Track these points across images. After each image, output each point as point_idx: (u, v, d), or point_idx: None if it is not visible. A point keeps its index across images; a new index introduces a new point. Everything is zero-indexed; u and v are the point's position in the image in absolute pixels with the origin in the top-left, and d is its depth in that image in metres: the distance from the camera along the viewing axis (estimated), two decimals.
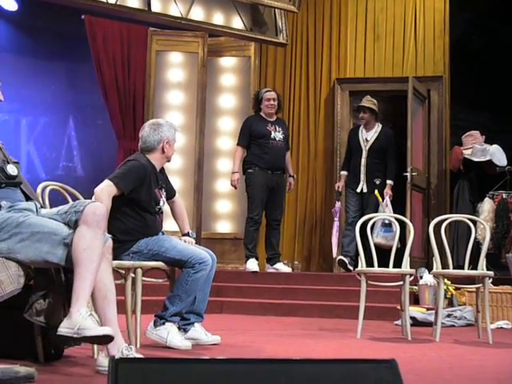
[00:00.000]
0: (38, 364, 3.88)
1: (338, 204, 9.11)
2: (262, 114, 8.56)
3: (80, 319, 3.52)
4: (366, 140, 8.91)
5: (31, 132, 10.51)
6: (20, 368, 3.22)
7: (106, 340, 3.57)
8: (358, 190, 8.86)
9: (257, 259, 8.56)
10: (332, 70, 10.19)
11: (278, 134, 8.48)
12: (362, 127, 9.02)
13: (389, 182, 8.81)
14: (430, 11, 9.97)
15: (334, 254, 9.14)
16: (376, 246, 7.60)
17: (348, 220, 8.95)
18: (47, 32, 10.11)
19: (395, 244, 6.16)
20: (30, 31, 10.16)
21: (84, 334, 3.51)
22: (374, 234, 8.18)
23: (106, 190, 4.84)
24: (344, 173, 9.14)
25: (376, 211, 8.43)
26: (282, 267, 8.69)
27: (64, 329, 3.55)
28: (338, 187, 9.10)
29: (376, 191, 8.60)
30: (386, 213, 8.29)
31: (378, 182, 8.77)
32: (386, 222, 8.18)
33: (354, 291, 7.09)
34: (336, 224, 9.05)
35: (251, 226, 8.50)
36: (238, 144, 8.63)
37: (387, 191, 8.72)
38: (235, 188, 8.66)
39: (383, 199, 8.58)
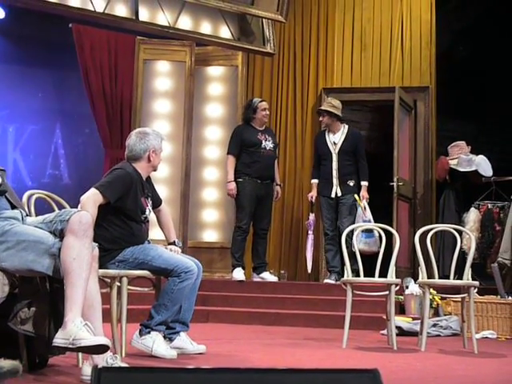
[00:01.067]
0: (22, 373, 3.87)
1: (311, 216, 8.93)
2: (252, 123, 8.53)
3: (75, 329, 3.50)
4: (334, 143, 8.67)
5: (18, 140, 10.50)
6: (4, 362, 3.21)
7: (101, 350, 3.56)
8: (333, 195, 8.62)
9: (243, 268, 8.55)
10: (319, 80, 10.21)
11: (268, 143, 8.48)
12: (327, 131, 8.78)
13: (363, 183, 8.58)
14: (416, 22, 10.02)
15: (309, 269, 9.04)
16: (361, 252, 7.64)
17: (327, 233, 8.79)
18: (34, 40, 10.11)
19: (381, 253, 6.17)
20: (17, 39, 10.16)
21: (80, 345, 3.49)
22: (356, 240, 8.17)
23: (91, 198, 4.84)
24: (315, 181, 8.87)
25: (351, 212, 8.43)
26: (268, 276, 8.67)
27: (59, 339, 3.54)
28: (312, 197, 8.87)
29: (356, 195, 8.47)
30: (366, 216, 8.25)
31: (351, 184, 8.58)
32: (367, 227, 8.10)
33: (340, 301, 7.09)
34: (310, 237, 8.88)
35: (239, 235, 8.50)
36: (228, 153, 8.57)
37: (363, 194, 8.50)
38: (233, 197, 8.60)
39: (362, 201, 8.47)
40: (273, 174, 8.66)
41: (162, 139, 5.29)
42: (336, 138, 8.68)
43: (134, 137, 5.24)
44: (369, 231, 8.11)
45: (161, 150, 5.27)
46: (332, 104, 8.65)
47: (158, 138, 5.25)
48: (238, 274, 8.48)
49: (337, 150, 8.64)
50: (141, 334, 4.98)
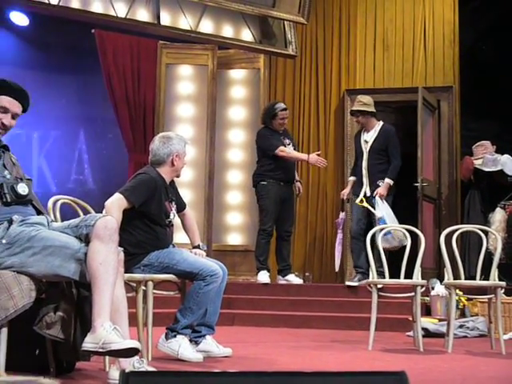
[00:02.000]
0: (50, 377, 3.89)
1: (342, 215, 8.85)
2: (270, 126, 8.50)
3: (104, 333, 3.52)
4: (366, 141, 8.53)
5: (42, 145, 10.57)
6: (44, 380, 3.23)
7: (131, 353, 3.57)
8: (362, 195, 8.45)
9: (268, 271, 8.55)
10: (342, 81, 10.20)
11: (290, 147, 8.49)
12: (363, 129, 8.65)
13: (387, 180, 8.31)
14: (439, 21, 9.97)
15: (337, 268, 9.01)
16: (384, 251, 7.59)
17: (352, 231, 8.70)
18: (58, 46, 10.18)
19: (406, 254, 6.14)
20: (41, 45, 10.23)
21: (110, 348, 3.50)
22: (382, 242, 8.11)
23: (116, 203, 4.86)
24: (351, 178, 8.77)
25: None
26: (293, 279, 8.65)
27: (89, 344, 3.55)
28: (343, 194, 8.79)
29: (358, 199, 8.36)
30: (377, 214, 8.10)
31: (380, 184, 8.35)
32: (382, 225, 8.00)
33: (365, 302, 7.07)
34: (339, 236, 8.80)
35: (263, 238, 8.48)
36: (275, 149, 8.35)
37: (379, 190, 8.24)
38: (323, 164, 8.59)
39: (363, 201, 8.34)
40: (294, 176, 8.72)
41: (185, 143, 5.30)
42: (368, 137, 8.52)
43: (157, 141, 5.26)
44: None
45: (184, 154, 5.28)
46: (363, 102, 8.48)
47: (182, 143, 5.26)
48: (263, 276, 8.47)
49: (367, 149, 8.49)
50: (167, 337, 4.99)
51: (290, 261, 8.82)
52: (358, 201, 8.34)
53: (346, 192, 8.78)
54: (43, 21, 9.53)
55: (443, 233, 6.07)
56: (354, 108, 8.59)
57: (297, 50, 9.37)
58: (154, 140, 5.32)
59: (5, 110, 3.97)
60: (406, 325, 6.84)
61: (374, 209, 8.16)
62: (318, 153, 8.68)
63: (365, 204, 8.28)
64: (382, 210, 8.12)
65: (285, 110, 8.55)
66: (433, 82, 9.91)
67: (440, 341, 6.20)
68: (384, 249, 7.74)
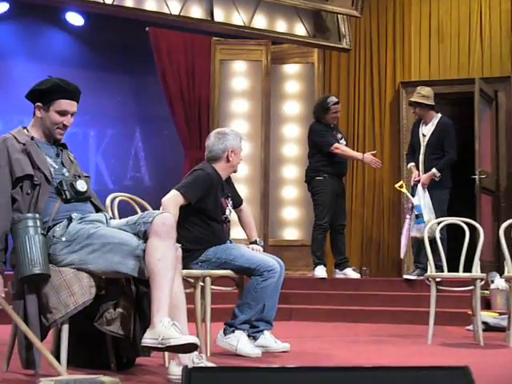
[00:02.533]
0: (110, 373, 3.93)
1: (414, 200, 8.13)
2: (322, 121, 8.40)
3: (163, 329, 3.54)
4: (423, 135, 8.34)
5: (99, 144, 10.68)
6: (105, 378, 3.26)
7: (190, 348, 3.59)
8: (404, 190, 8.31)
9: (325, 266, 8.52)
10: (396, 74, 10.11)
11: (342, 142, 8.44)
12: (421, 121, 8.43)
13: (433, 170, 8.11)
14: (495, 11, 9.82)
15: (402, 255, 8.74)
16: (415, 240, 7.51)
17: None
18: (113, 45, 10.27)
19: (465, 247, 6.06)
20: (96, 45, 10.33)
21: (169, 344, 3.52)
22: (411, 230, 8.00)
23: (173, 199, 4.90)
24: (411, 163, 8.47)
25: (440, 207, 8.09)
26: (350, 273, 8.61)
27: (148, 339, 3.58)
28: (415, 177, 8.29)
29: (401, 182, 8.30)
30: (414, 201, 7.93)
31: (437, 179, 8.14)
32: (416, 213, 7.89)
33: (423, 296, 7.01)
34: (407, 222, 8.23)
35: (320, 233, 8.44)
36: (330, 145, 8.26)
37: (422, 179, 8.06)
38: (378, 165, 8.56)
39: (402, 187, 8.19)
40: (347, 170, 8.77)
41: (240, 139, 5.30)
42: (426, 130, 8.34)
43: (212, 137, 5.27)
44: (419, 217, 7.87)
45: (240, 149, 5.28)
46: (422, 94, 8.28)
47: (237, 138, 5.26)
48: (320, 271, 8.45)
49: (425, 143, 8.32)
50: (225, 333, 5.01)
51: (347, 254, 8.79)
52: (397, 185, 8.23)
53: (416, 175, 8.33)
54: (98, 20, 9.63)
55: (502, 225, 5.97)
56: (412, 99, 8.39)
57: (351, 43, 9.33)
58: (209, 136, 5.34)
59: (65, 113, 4.03)
60: (465, 319, 6.76)
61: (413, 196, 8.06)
62: (374, 152, 8.65)
63: (403, 190, 8.20)
64: (421, 198, 7.98)
65: (337, 103, 8.45)
66: (490, 73, 9.76)
67: (500, 335, 6.12)
68: (415, 237, 7.68)
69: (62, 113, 4.02)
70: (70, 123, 4.07)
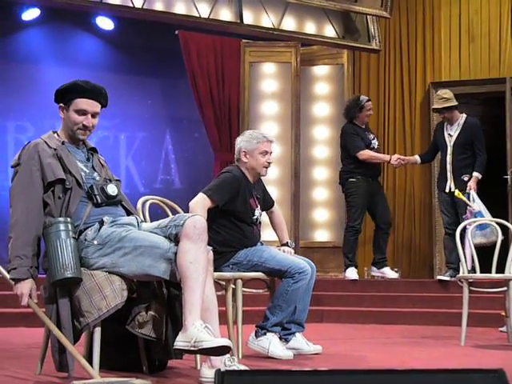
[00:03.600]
0: (142, 375, 3.95)
1: (474, 205, 7.81)
2: (355, 121, 8.41)
3: (196, 332, 3.54)
4: (450, 135, 8.27)
5: (130, 147, 10.73)
6: (137, 381, 3.28)
7: (223, 351, 3.59)
8: (447, 190, 8.25)
9: (356, 267, 8.51)
10: (427, 74, 10.06)
11: (374, 142, 8.47)
12: (445, 122, 8.35)
13: (475, 174, 8.08)
14: None
15: (470, 266, 8.49)
16: (478, 246, 7.41)
17: (445, 227, 8.46)
18: (142, 48, 10.31)
19: (497, 247, 6.02)
20: (126, 49, 10.38)
21: (202, 347, 3.52)
22: (472, 236, 7.91)
23: (200, 203, 4.91)
24: (417, 157, 8.70)
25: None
26: (388, 272, 8.60)
27: (180, 342, 3.58)
28: (398, 159, 8.49)
29: (457, 191, 8.01)
30: (474, 208, 7.89)
31: (466, 179, 8.12)
32: (480, 218, 7.81)
33: (456, 298, 6.97)
34: (469, 230, 8.02)
35: (352, 235, 8.44)
36: (359, 151, 8.29)
37: (470, 184, 8.02)
38: (402, 163, 8.67)
39: (464, 195, 8.10)
40: (381, 170, 8.83)
41: (258, 141, 5.22)
42: (452, 130, 8.27)
43: (239, 139, 5.32)
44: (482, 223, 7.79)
45: (257, 151, 5.20)
46: (446, 98, 8.18)
47: (253, 140, 5.21)
48: (352, 273, 8.43)
49: (452, 143, 8.25)
50: (257, 335, 5.00)
51: (387, 254, 8.78)
52: (456, 193, 8.11)
53: (403, 158, 8.68)
54: (128, 24, 9.70)
55: None
56: (438, 106, 8.26)
57: (380, 44, 9.30)
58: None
59: (84, 113, 4.03)
60: (498, 320, 6.70)
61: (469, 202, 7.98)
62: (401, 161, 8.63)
63: (463, 197, 8.07)
64: (479, 204, 7.93)
65: (369, 100, 8.53)
66: None
67: None
68: (480, 244, 7.56)
69: (81, 112, 4.02)
70: (90, 124, 4.04)
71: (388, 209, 8.70)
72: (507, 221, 6.70)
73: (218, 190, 5.03)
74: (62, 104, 4.06)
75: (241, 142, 5.24)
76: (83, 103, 4.03)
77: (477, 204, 7.88)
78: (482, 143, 8.18)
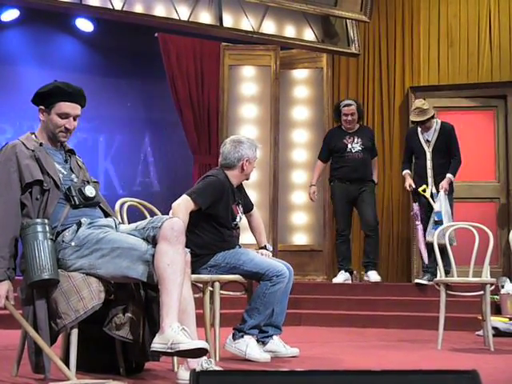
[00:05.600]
0: (119, 377, 3.94)
1: (415, 206, 8.36)
2: (342, 126, 8.59)
3: (173, 334, 3.54)
4: (427, 141, 8.28)
5: (108, 149, 10.69)
6: (113, 382, 3.27)
7: (200, 353, 3.59)
8: (428, 195, 8.20)
9: (348, 272, 8.58)
10: (405, 78, 10.10)
11: (355, 146, 8.45)
12: (419, 128, 8.31)
13: (448, 175, 8.12)
14: (505, 14, 9.79)
15: (426, 261, 8.62)
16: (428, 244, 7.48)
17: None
18: (122, 51, 10.29)
19: (475, 252, 6.05)
20: (106, 51, 10.35)
21: (178, 349, 3.52)
22: (427, 235, 7.97)
23: (183, 204, 4.91)
24: (407, 171, 8.49)
25: (448, 212, 8.11)
26: (372, 276, 8.51)
27: (157, 344, 3.58)
28: (410, 185, 8.39)
29: (424, 186, 8.12)
30: (436, 207, 7.94)
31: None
32: (436, 219, 7.87)
33: (433, 301, 7.01)
34: (419, 228, 8.32)
35: (337, 239, 8.61)
36: (318, 157, 8.79)
37: (443, 184, 8.05)
38: (312, 200, 8.71)
39: (425, 191, 8.16)
40: (365, 175, 8.53)
41: (256, 148, 5.28)
42: (429, 136, 8.28)
43: (228, 145, 5.25)
44: (438, 223, 7.84)
45: (255, 158, 5.27)
46: (424, 108, 8.14)
47: (253, 147, 5.25)
48: (339, 277, 8.56)
49: (431, 148, 8.27)
50: (234, 337, 5.01)
51: (375, 258, 8.63)
52: (421, 189, 8.17)
53: (411, 182, 8.42)
54: (107, 26, 9.66)
55: None
56: (417, 119, 8.19)
57: (360, 48, 9.32)
58: (225, 143, 5.32)
59: (66, 116, 4.03)
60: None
61: (434, 202, 8.05)
62: (312, 197, 8.74)
63: (427, 194, 8.14)
64: (442, 204, 7.99)
65: (348, 105, 8.53)
66: (499, 77, 9.73)
67: (511, 340, 6.11)
68: (429, 243, 7.64)
69: (64, 115, 4.03)
70: (72, 126, 4.06)
71: (370, 213, 8.50)
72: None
73: (202, 193, 5.02)
74: (42, 106, 4.05)
75: (243, 149, 5.19)
76: (66, 107, 4.03)
77: (439, 204, 7.94)
78: (458, 147, 8.25)
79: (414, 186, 8.37)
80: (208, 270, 5.01)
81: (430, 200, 8.08)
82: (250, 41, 9.02)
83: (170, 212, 4.84)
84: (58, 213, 3.89)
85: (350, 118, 8.48)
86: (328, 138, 8.64)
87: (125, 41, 10.06)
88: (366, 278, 8.63)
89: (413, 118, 8.29)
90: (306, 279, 9.26)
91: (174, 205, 4.91)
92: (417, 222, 8.38)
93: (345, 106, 8.49)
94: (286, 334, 5.37)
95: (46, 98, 4.04)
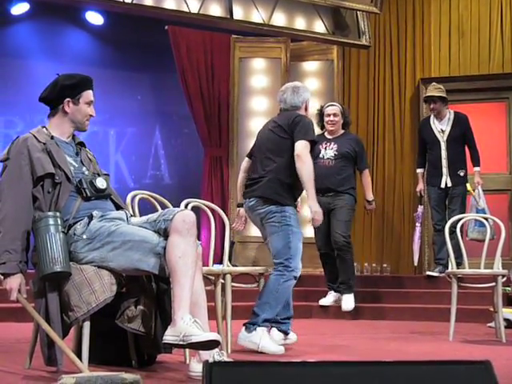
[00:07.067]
0: (132, 369, 3.95)
1: (420, 208, 8.59)
2: (325, 130, 7.75)
3: (184, 326, 3.54)
4: (442, 131, 8.26)
5: (119, 142, 10.71)
6: (126, 375, 3.27)
7: (212, 345, 3.58)
8: (442, 186, 8.22)
9: (333, 291, 7.79)
10: (416, 70, 10.07)
11: (328, 152, 7.57)
12: (432, 118, 8.37)
13: (476, 169, 8.19)
14: None
15: (415, 262, 8.84)
16: (472, 240, 7.46)
17: (434, 224, 8.40)
18: (132, 44, 10.29)
19: (486, 243, 6.05)
20: (116, 44, 10.36)
21: (190, 341, 3.52)
22: (468, 229, 7.98)
23: (307, 149, 5.19)
24: (420, 170, 8.53)
25: (462, 204, 8.14)
26: (345, 303, 7.51)
27: (169, 337, 3.58)
28: (421, 191, 8.50)
29: (468, 185, 8.14)
30: (480, 204, 8.01)
31: (462, 174, 8.20)
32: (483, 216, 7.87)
33: (445, 293, 7.00)
34: (418, 230, 8.61)
35: (320, 257, 7.86)
36: None
37: (477, 180, 8.15)
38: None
39: (474, 190, 8.19)
40: (336, 186, 7.49)
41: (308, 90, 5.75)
42: (443, 125, 8.27)
43: (289, 92, 5.58)
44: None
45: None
46: (441, 89, 8.24)
47: (307, 89, 5.76)
48: (327, 297, 7.84)
49: (445, 138, 8.25)
50: (247, 330, 5.01)
51: (346, 280, 7.53)
52: (468, 187, 8.15)
53: (422, 188, 8.54)
54: (117, 19, 9.67)
55: None
56: (432, 93, 8.27)
57: (370, 40, 9.30)
58: (284, 91, 5.61)
59: (90, 103, 4.14)
60: (487, 316, 6.73)
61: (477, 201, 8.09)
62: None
63: (474, 192, 8.13)
64: (484, 201, 8.04)
65: (331, 105, 7.71)
66: (510, 69, 9.69)
67: None
68: (474, 239, 7.65)
69: (90, 103, 4.14)
70: (94, 113, 4.18)
71: (338, 230, 7.45)
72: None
73: (311, 130, 5.35)
74: (69, 98, 4.07)
75: (304, 92, 5.61)
76: (90, 95, 4.15)
77: (482, 201, 7.97)
78: (473, 137, 8.25)
79: (423, 194, 8.61)
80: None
81: (476, 198, 8.09)
82: (260, 33, 9.02)
83: (298, 159, 5.11)
84: (70, 206, 3.90)
85: (332, 118, 7.49)
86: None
87: (135, 34, 10.07)
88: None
89: (429, 92, 8.36)
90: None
91: (300, 153, 5.13)
92: (417, 224, 8.61)
93: (328, 106, 7.69)
94: (298, 326, 5.38)
95: (73, 89, 4.09)
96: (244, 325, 5.05)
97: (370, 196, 7.86)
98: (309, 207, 5.18)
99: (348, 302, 7.48)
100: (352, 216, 7.69)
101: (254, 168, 5.48)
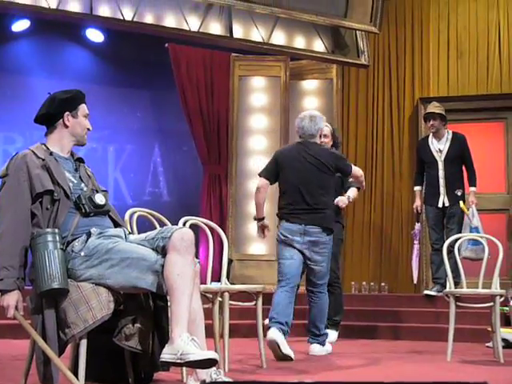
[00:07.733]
0: None
1: (417, 226, 8.65)
2: None
3: (182, 344, 3.52)
4: (440, 150, 8.32)
5: (118, 159, 10.71)
6: None
7: (209, 364, 3.56)
8: (440, 205, 8.28)
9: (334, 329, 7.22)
10: (415, 90, 10.09)
11: None
12: (431, 137, 8.44)
13: (472, 189, 8.26)
14: None
15: (415, 280, 8.85)
16: (465, 259, 7.45)
17: (432, 243, 8.43)
18: (132, 61, 10.32)
19: (484, 263, 6.04)
20: (116, 61, 10.38)
21: (188, 359, 3.50)
22: (461, 248, 7.98)
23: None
24: (418, 188, 8.58)
25: (460, 223, 8.16)
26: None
27: (167, 355, 3.56)
28: (417, 207, 8.54)
29: (461, 203, 8.14)
30: (474, 223, 8.02)
31: (459, 194, 8.23)
32: (477, 234, 7.87)
33: (442, 313, 6.99)
34: (416, 247, 8.64)
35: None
36: None
37: (472, 199, 8.19)
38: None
39: (468, 209, 8.20)
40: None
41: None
42: (441, 145, 8.33)
43: (307, 120, 6.10)
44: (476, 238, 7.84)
45: None
46: (441, 107, 8.33)
47: (322, 119, 6.24)
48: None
49: (443, 157, 8.30)
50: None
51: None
52: (461, 205, 8.16)
53: (419, 205, 8.56)
54: (118, 37, 9.69)
55: None
56: (432, 110, 8.36)
57: (369, 59, 9.33)
58: (302, 118, 6.13)
59: (87, 116, 4.16)
60: (485, 335, 6.72)
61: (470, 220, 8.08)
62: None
63: (467, 211, 8.14)
64: (478, 219, 8.05)
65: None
66: (508, 89, 9.71)
67: None
68: (468, 258, 7.65)
69: (86, 116, 4.17)
70: (91, 127, 4.21)
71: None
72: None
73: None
74: (67, 112, 4.08)
75: (319, 122, 6.12)
76: (85, 108, 4.18)
77: (476, 219, 7.99)
78: (471, 158, 8.28)
79: (419, 211, 8.65)
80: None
81: (470, 217, 8.09)
82: (259, 51, 9.05)
83: (358, 174, 6.13)
84: (68, 222, 3.89)
85: (322, 139, 6.64)
86: None
87: (135, 51, 10.10)
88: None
89: (430, 109, 8.45)
90: None
91: (357, 172, 6.13)
92: (415, 242, 8.67)
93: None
94: (295, 345, 5.35)
95: (71, 103, 4.12)
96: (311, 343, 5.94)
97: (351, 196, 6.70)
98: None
99: (331, 337, 6.75)
100: (341, 246, 7.49)
101: (297, 197, 5.89)
